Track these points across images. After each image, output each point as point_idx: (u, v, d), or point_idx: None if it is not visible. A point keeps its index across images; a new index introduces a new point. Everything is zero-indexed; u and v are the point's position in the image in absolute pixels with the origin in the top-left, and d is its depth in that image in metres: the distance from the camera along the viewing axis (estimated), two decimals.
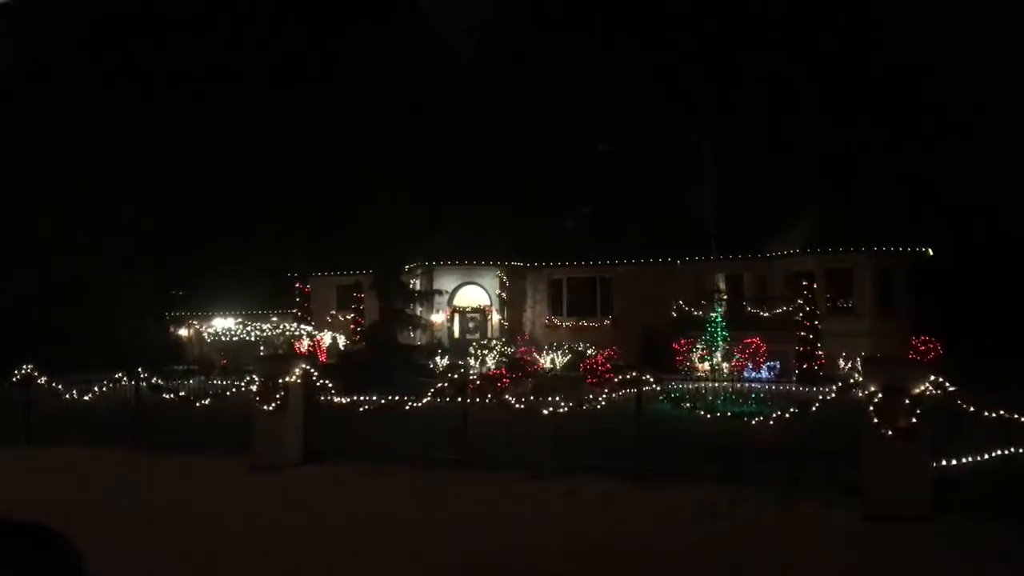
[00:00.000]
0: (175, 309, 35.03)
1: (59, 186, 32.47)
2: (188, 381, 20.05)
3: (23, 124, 32.46)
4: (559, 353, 25.08)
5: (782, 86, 37.94)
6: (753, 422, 10.53)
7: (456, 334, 29.52)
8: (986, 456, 8.94)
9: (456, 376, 12.99)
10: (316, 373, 12.12)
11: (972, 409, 8.95)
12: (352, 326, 28.91)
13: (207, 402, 13.36)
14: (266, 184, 37.96)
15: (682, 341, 24.36)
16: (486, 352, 24.72)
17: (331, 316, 31.87)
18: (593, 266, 30.01)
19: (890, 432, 8.43)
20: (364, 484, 10.28)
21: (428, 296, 27.48)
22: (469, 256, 29.07)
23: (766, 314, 25.53)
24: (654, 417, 11.33)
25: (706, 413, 11.22)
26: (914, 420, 8.37)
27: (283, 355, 20.41)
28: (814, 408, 9.90)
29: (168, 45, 40.80)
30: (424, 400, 11.88)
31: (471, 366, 23.25)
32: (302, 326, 29.51)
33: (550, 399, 12.40)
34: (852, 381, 9.99)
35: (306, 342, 27.52)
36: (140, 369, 13.76)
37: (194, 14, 42.32)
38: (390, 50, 42.47)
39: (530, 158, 35.84)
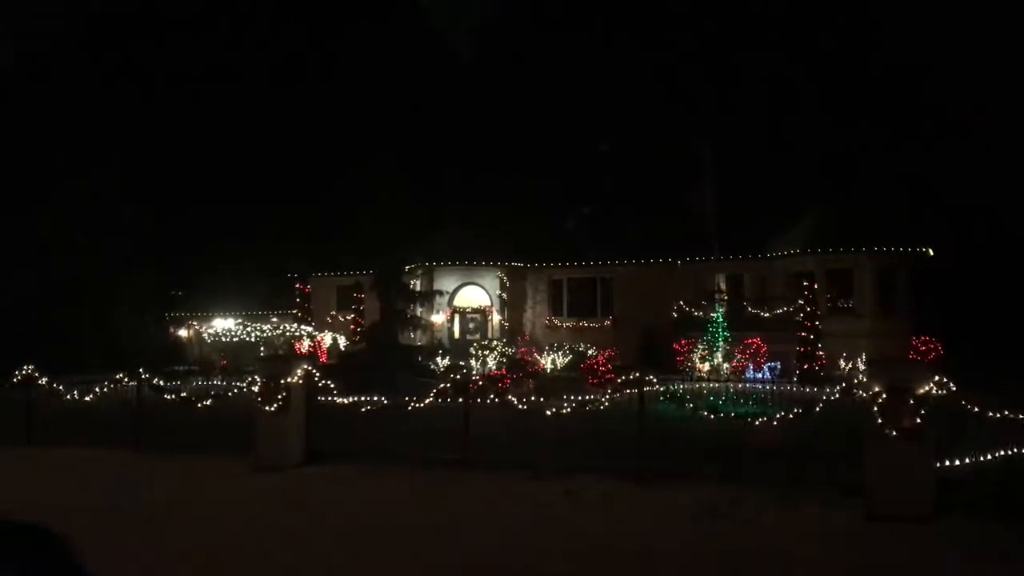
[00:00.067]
0: (175, 309, 35.02)
1: (59, 186, 32.45)
2: (189, 382, 20.04)
3: (23, 124, 32.45)
4: (560, 354, 25.07)
5: (782, 86, 37.92)
6: (756, 423, 10.53)
7: (456, 335, 29.51)
8: (989, 456, 8.93)
9: (458, 377, 12.99)
10: (318, 374, 12.12)
11: (976, 409, 8.94)
12: (352, 327, 28.90)
13: (208, 403, 13.34)
14: (266, 184, 37.94)
15: (683, 341, 24.36)
16: (487, 353, 24.72)
17: (331, 316, 31.85)
18: (593, 266, 30.00)
19: (894, 432, 8.42)
20: (365, 484, 10.28)
21: (428, 296, 27.46)
22: (469, 256, 29.06)
23: (766, 314, 25.52)
24: (656, 417, 11.33)
25: (709, 413, 11.21)
26: (918, 420, 8.37)
27: (285, 356, 20.42)
28: (818, 408, 9.89)
29: (168, 45, 40.77)
30: (427, 401, 11.88)
31: (472, 367, 23.23)
32: (302, 327, 29.49)
33: (552, 399, 12.39)
34: (856, 381, 9.98)
35: (306, 343, 27.51)
36: (141, 370, 13.74)
37: (194, 14, 42.28)
38: (390, 50, 42.40)
39: (530, 158, 35.82)
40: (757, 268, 27.68)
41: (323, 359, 25.88)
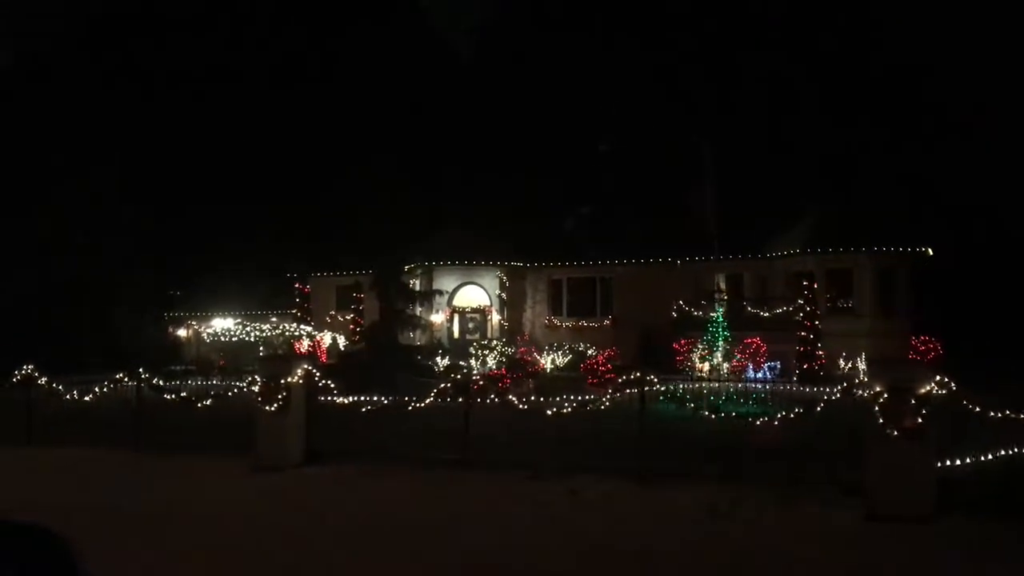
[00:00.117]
0: (173, 309, 35.01)
1: (59, 186, 32.45)
2: (187, 382, 20.03)
3: (23, 124, 32.44)
4: (559, 353, 25.07)
5: (782, 86, 37.93)
6: (758, 423, 10.52)
7: (456, 334, 29.51)
8: (990, 456, 8.92)
9: (458, 377, 12.99)
10: (318, 374, 12.12)
11: (977, 409, 8.94)
12: (351, 326, 28.89)
13: (208, 403, 13.33)
14: (266, 184, 37.95)
15: (682, 341, 24.35)
16: (486, 352, 24.72)
17: (330, 316, 31.85)
18: (593, 266, 29.99)
19: (895, 432, 8.41)
20: (365, 484, 10.27)
21: (428, 296, 27.47)
22: (469, 256, 29.06)
23: (766, 314, 25.52)
24: (657, 417, 11.32)
25: (710, 413, 11.21)
26: (920, 420, 8.36)
27: (285, 355, 20.41)
28: (819, 408, 9.88)
29: (168, 45, 40.79)
30: (427, 401, 11.88)
31: (471, 366, 23.23)
32: (301, 326, 29.49)
33: (553, 399, 12.39)
34: (857, 381, 9.98)
35: (306, 342, 27.51)
36: (140, 369, 13.74)
37: (194, 14, 42.31)
38: (390, 50, 42.42)
39: (530, 158, 35.82)
40: (757, 268, 27.68)
41: (323, 359, 25.88)
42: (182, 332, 32.81)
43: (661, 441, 10.64)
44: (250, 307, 32.64)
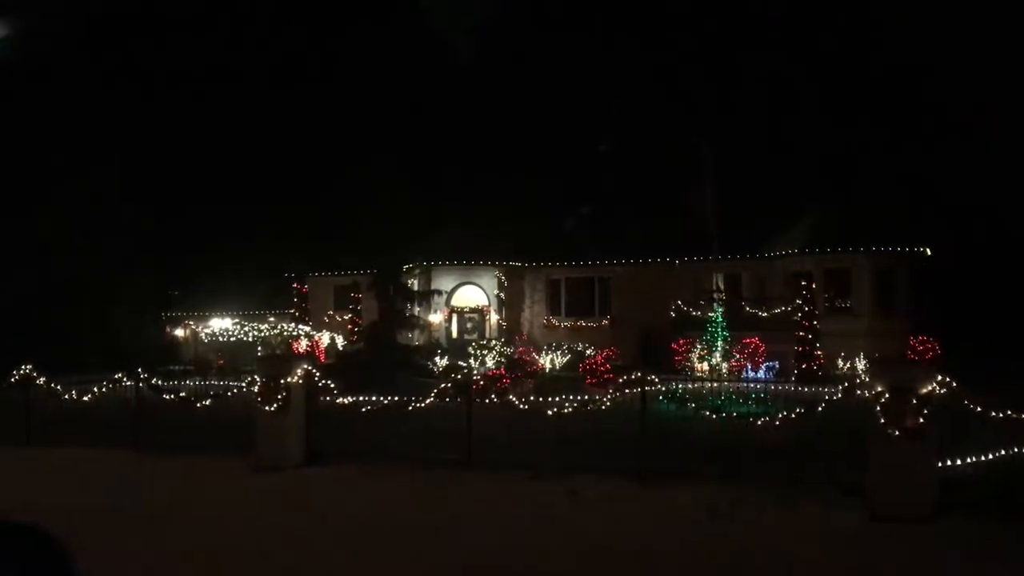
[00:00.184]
0: (172, 309, 35.00)
1: (59, 186, 32.43)
2: (185, 382, 20.00)
3: (23, 124, 32.43)
4: (558, 353, 25.06)
5: (782, 86, 37.96)
6: (759, 423, 10.52)
7: (454, 334, 29.51)
8: (991, 456, 8.92)
9: (458, 376, 12.99)
10: (318, 373, 12.11)
11: (979, 409, 8.93)
12: (349, 326, 28.88)
13: (208, 403, 13.33)
14: (266, 184, 37.97)
15: (681, 341, 24.33)
16: (485, 352, 24.71)
17: (328, 316, 31.83)
18: (592, 266, 29.99)
19: (897, 432, 8.41)
20: (365, 485, 10.27)
21: (426, 296, 27.47)
22: (468, 256, 29.05)
23: (765, 314, 25.51)
24: (658, 417, 11.31)
25: (711, 413, 11.20)
26: (921, 420, 8.36)
27: (285, 355, 20.41)
28: (820, 408, 9.88)
29: (168, 45, 40.82)
30: (427, 400, 11.87)
31: (470, 366, 23.22)
32: (300, 326, 29.48)
33: (553, 399, 12.38)
34: (858, 381, 9.98)
35: (304, 342, 27.51)
36: (140, 369, 13.73)
37: (194, 14, 42.36)
38: (390, 50, 42.50)
39: (530, 158, 35.84)
40: (756, 268, 27.68)
41: (321, 359, 25.87)
42: (179, 332, 32.78)
43: (661, 441, 10.63)
44: (249, 307, 32.62)
